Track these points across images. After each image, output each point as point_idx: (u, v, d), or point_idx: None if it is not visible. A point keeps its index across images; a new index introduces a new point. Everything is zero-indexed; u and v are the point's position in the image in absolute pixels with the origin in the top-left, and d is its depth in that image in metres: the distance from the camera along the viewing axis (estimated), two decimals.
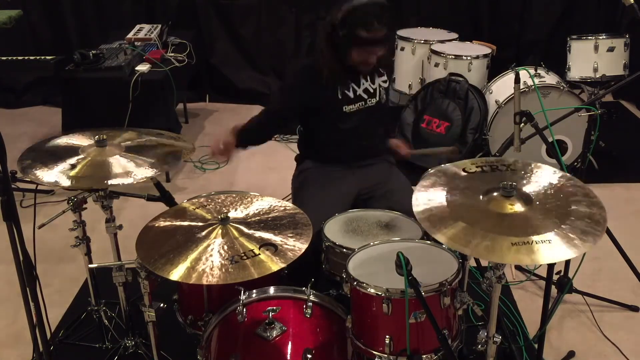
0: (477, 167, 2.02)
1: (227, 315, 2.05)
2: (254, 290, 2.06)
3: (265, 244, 1.88)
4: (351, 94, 2.58)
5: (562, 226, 1.72)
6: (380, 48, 2.47)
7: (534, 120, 2.23)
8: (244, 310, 1.99)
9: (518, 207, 1.80)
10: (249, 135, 2.64)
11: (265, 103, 5.28)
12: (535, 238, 1.68)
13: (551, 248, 1.66)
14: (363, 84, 2.60)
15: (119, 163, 2.16)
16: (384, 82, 2.67)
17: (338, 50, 2.47)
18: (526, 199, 1.84)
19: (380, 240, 2.23)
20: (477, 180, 1.95)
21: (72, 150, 2.23)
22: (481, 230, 1.71)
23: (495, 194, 1.85)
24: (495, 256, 1.66)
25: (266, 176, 4.21)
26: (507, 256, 1.65)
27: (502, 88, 4.03)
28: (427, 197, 1.87)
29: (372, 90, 2.62)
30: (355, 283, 1.96)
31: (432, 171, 2.01)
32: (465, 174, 1.99)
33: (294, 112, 2.68)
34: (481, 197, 1.85)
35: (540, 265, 2.93)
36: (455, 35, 4.71)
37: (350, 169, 2.70)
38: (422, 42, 4.56)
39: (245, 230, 1.95)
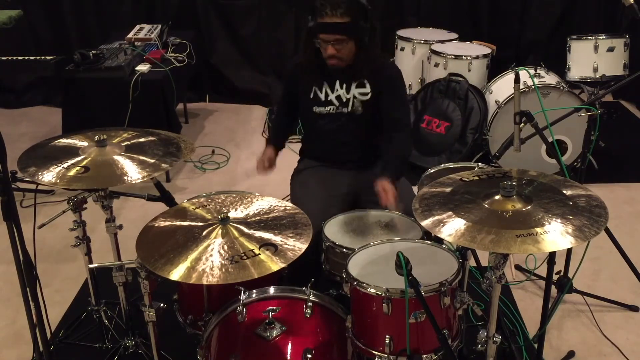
0: (474, 176, 2.05)
1: (227, 315, 2.05)
2: (254, 290, 2.07)
3: (265, 244, 1.88)
4: (322, 96, 2.59)
5: (564, 218, 1.75)
6: (335, 40, 2.41)
7: (534, 120, 2.23)
8: (244, 310, 1.99)
9: (519, 206, 1.82)
10: (276, 134, 2.90)
11: (265, 103, 5.33)
12: (539, 229, 1.70)
13: (556, 237, 1.68)
14: (337, 90, 2.58)
15: (119, 163, 2.16)
16: (364, 94, 2.57)
17: (311, 43, 2.51)
18: (526, 198, 1.85)
19: (380, 240, 2.23)
20: (475, 186, 1.97)
21: (72, 150, 2.23)
22: (485, 227, 1.73)
23: (496, 197, 1.86)
24: (501, 247, 1.68)
25: (266, 176, 4.19)
26: (513, 247, 1.67)
27: (502, 88, 4.02)
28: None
29: (344, 100, 2.58)
30: (355, 283, 1.96)
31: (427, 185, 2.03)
32: (463, 182, 2.01)
33: (290, 99, 2.73)
34: (482, 199, 1.87)
35: (540, 265, 2.93)
36: (455, 35, 4.70)
37: (348, 170, 2.70)
38: (422, 42, 4.56)
39: (245, 230, 1.95)
